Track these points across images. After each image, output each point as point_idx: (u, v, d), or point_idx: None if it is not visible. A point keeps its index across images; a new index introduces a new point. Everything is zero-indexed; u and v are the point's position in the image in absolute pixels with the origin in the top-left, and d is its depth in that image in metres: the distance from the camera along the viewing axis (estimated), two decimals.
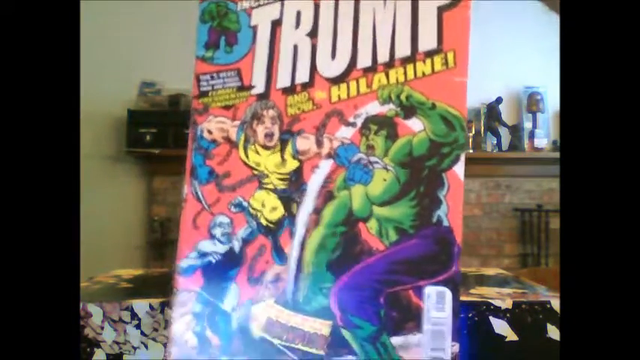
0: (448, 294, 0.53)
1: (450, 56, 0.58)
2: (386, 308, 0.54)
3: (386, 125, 0.58)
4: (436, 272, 0.54)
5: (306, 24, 0.62)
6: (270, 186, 0.59)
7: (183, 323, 0.57)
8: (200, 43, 0.63)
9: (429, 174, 0.56)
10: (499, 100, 3.36)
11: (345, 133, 0.58)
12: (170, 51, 2.97)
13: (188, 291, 0.58)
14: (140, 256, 3.12)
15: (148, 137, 2.96)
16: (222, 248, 0.58)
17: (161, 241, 3.04)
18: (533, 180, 3.35)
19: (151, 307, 0.65)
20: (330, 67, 0.60)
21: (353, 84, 0.59)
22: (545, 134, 3.38)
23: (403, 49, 0.59)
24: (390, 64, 0.59)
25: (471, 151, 3.32)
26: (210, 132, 0.61)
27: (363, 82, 0.59)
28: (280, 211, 0.58)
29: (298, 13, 0.62)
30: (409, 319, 0.54)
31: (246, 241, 0.58)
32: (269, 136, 0.60)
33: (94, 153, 3.23)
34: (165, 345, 0.66)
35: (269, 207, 0.58)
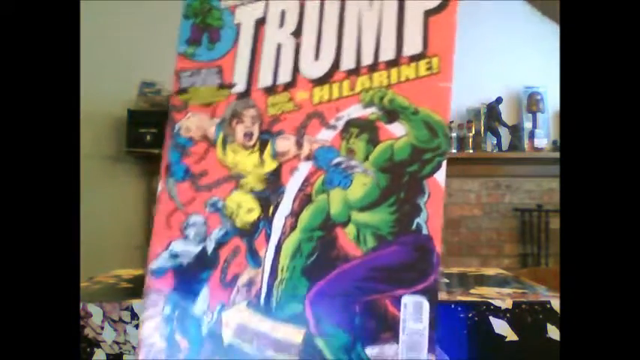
0: (425, 304, 0.52)
1: (435, 61, 0.57)
2: (361, 317, 0.52)
3: (367, 129, 0.57)
4: (414, 281, 0.52)
5: (291, 23, 0.61)
6: (248, 187, 0.57)
7: (152, 325, 0.55)
8: (182, 39, 0.62)
9: (409, 180, 0.55)
10: (499, 100, 3.36)
11: (326, 135, 0.57)
12: (170, 51, 2.96)
13: (158, 292, 0.56)
14: (140, 256, 3.11)
15: (148, 137, 2.96)
16: (195, 249, 0.57)
17: None
18: (533, 180, 3.35)
19: None
20: (313, 68, 0.59)
21: (336, 86, 0.58)
22: (545, 134, 3.38)
23: (388, 53, 0.58)
24: (374, 67, 0.58)
25: (470, 151, 3.32)
26: (188, 129, 0.59)
27: (346, 84, 0.58)
28: (256, 213, 0.57)
29: (283, 13, 0.61)
30: (385, 328, 0.52)
31: (220, 243, 0.57)
32: (248, 135, 0.58)
33: (94, 153, 3.23)
34: None
35: (245, 208, 0.57)
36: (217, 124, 0.59)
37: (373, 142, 0.56)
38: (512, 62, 3.40)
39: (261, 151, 0.58)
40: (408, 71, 0.57)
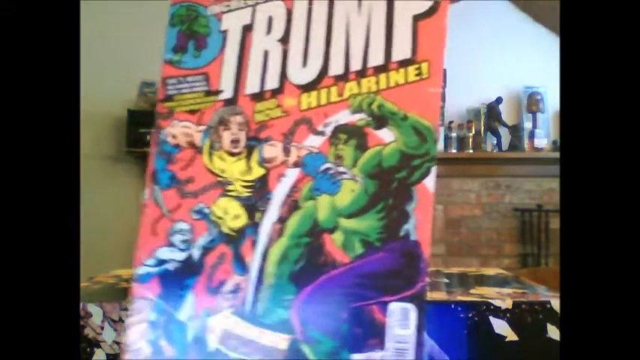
0: (413, 311, 0.51)
1: (425, 66, 0.57)
2: (348, 323, 0.52)
3: (356, 135, 0.56)
4: (402, 288, 0.52)
5: (278, 30, 0.61)
6: (234, 193, 0.57)
7: (137, 331, 0.55)
8: (168, 47, 0.62)
9: (398, 186, 0.54)
10: (499, 100, 3.36)
11: (314, 141, 0.57)
12: None
13: (144, 299, 0.56)
14: None
15: (148, 137, 2.96)
16: (180, 256, 0.56)
17: None
18: (533, 180, 3.35)
19: None
20: (300, 74, 0.59)
21: (324, 92, 0.58)
22: (545, 134, 3.38)
23: (376, 58, 0.58)
24: (362, 73, 0.58)
25: (470, 151, 3.32)
26: (174, 136, 0.59)
27: (334, 90, 0.58)
28: (243, 220, 0.56)
29: (270, 19, 0.61)
30: (372, 335, 0.52)
31: (206, 250, 0.56)
32: (235, 142, 0.58)
33: (94, 153, 3.23)
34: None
35: (232, 215, 0.56)
36: (204, 131, 0.59)
37: (362, 148, 0.56)
38: (513, 62, 3.40)
39: (248, 157, 0.58)
40: (397, 77, 0.57)
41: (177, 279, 0.56)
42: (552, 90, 3.37)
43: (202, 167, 0.58)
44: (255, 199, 0.56)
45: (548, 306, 0.66)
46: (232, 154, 0.58)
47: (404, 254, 0.53)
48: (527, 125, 3.40)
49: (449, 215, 3.32)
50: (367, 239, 0.54)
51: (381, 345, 0.51)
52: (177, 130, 0.59)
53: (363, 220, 0.54)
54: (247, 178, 0.57)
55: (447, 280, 0.86)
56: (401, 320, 0.51)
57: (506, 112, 3.39)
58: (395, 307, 0.52)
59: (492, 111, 3.36)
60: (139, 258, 0.57)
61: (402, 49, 0.58)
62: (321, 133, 0.57)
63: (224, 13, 0.62)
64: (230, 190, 0.57)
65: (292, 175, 0.56)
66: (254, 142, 0.58)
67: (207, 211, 0.57)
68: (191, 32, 0.62)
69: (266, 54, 0.60)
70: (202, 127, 0.59)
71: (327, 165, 0.56)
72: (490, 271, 1.00)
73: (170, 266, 0.56)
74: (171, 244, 0.57)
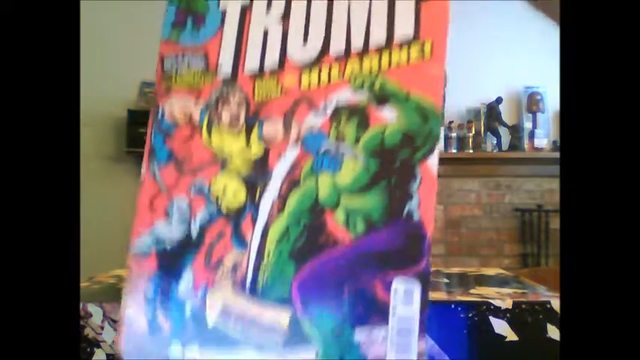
0: (416, 289, 0.50)
1: (427, 46, 0.55)
2: (350, 300, 0.51)
3: (357, 114, 0.55)
4: (405, 266, 0.51)
5: (278, 7, 0.59)
6: (234, 170, 0.56)
7: (134, 307, 0.54)
8: (166, 24, 0.61)
9: (400, 166, 0.53)
10: (499, 100, 3.36)
11: (315, 120, 0.56)
12: None
13: (141, 274, 0.55)
14: None
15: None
16: (179, 232, 0.55)
17: None
18: (533, 180, 3.36)
19: None
20: (301, 53, 0.58)
21: (325, 70, 0.57)
22: (545, 134, 3.39)
23: (378, 37, 0.56)
24: (364, 52, 0.56)
25: (470, 151, 3.32)
26: (172, 114, 0.58)
27: (335, 68, 0.56)
28: (242, 197, 0.55)
29: None
30: (374, 313, 0.50)
31: (204, 226, 0.55)
32: (234, 119, 0.57)
33: (94, 153, 3.23)
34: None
35: (231, 191, 0.55)
36: (202, 108, 0.58)
37: (363, 127, 0.55)
38: (512, 62, 3.40)
39: (248, 135, 0.56)
40: (399, 56, 0.56)
41: (176, 255, 0.55)
42: (552, 90, 3.37)
43: (201, 144, 0.57)
44: (255, 176, 0.56)
45: (548, 306, 0.66)
46: (231, 132, 0.57)
47: (407, 234, 0.52)
48: (527, 125, 3.40)
49: (449, 215, 3.32)
50: (369, 218, 0.53)
51: (384, 322, 0.50)
52: (176, 107, 0.58)
53: (365, 199, 0.53)
54: (246, 156, 0.56)
55: (447, 280, 0.86)
56: (404, 298, 0.50)
57: (506, 112, 3.39)
58: (399, 284, 0.51)
59: (492, 111, 3.36)
60: (136, 233, 0.56)
61: (404, 28, 0.56)
62: (322, 112, 0.56)
63: None
64: (229, 168, 0.56)
65: (292, 153, 0.55)
66: (254, 119, 0.57)
67: (205, 187, 0.56)
68: (189, 9, 0.61)
69: (266, 32, 0.59)
70: (201, 105, 0.58)
71: (328, 143, 0.55)
72: (490, 271, 1.00)
73: (168, 242, 0.56)
74: (169, 220, 0.56)
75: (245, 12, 0.60)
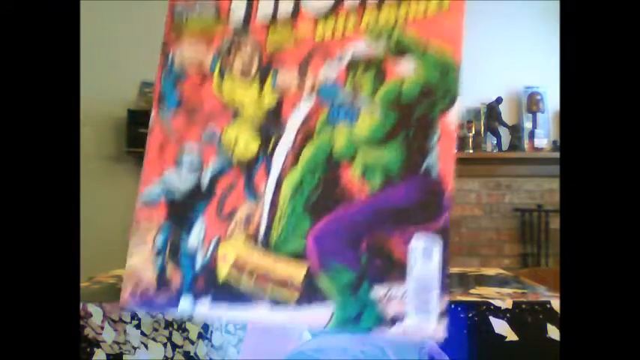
0: (436, 245, 0.48)
1: None
2: (367, 255, 0.49)
3: (374, 66, 0.53)
4: (424, 222, 0.49)
5: None
6: (246, 119, 0.54)
7: (142, 258, 0.52)
8: None
9: (419, 119, 0.51)
10: (499, 100, 3.36)
11: (330, 71, 0.54)
12: None
13: (150, 222, 0.53)
14: None
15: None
16: (190, 180, 0.53)
17: None
18: (533, 180, 3.36)
19: None
20: (316, 2, 0.55)
21: (340, 20, 0.55)
22: (545, 134, 3.38)
23: None
24: (381, 2, 0.54)
25: (470, 151, 3.32)
26: (182, 60, 0.56)
27: (351, 19, 0.54)
28: (255, 148, 0.53)
29: None
30: (393, 268, 0.48)
31: (216, 176, 0.53)
32: (247, 67, 0.55)
33: (94, 153, 3.23)
34: (164, 345, 0.66)
35: (243, 141, 0.53)
36: (214, 56, 0.56)
37: (380, 79, 0.53)
38: (512, 62, 3.40)
39: (261, 84, 0.54)
40: (417, 7, 0.54)
41: (186, 204, 0.53)
42: (552, 90, 3.37)
43: (212, 92, 0.55)
44: (269, 126, 0.54)
45: (548, 306, 0.66)
46: (244, 81, 0.55)
47: (426, 189, 0.50)
48: (527, 125, 3.40)
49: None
50: (387, 172, 0.51)
51: (402, 278, 0.48)
52: (186, 54, 0.56)
53: (382, 152, 0.51)
54: (260, 105, 0.54)
55: (447, 280, 0.86)
56: (424, 254, 0.49)
57: (506, 112, 3.39)
58: (418, 240, 0.49)
59: (492, 111, 3.36)
60: (145, 181, 0.54)
61: None
62: (338, 63, 0.54)
63: None
64: (241, 117, 0.54)
65: (307, 103, 0.54)
66: (267, 69, 0.55)
67: (217, 137, 0.54)
68: None
69: None
70: (212, 52, 0.56)
71: (344, 95, 0.53)
72: (490, 271, 1.00)
73: (178, 190, 0.54)
74: (179, 168, 0.54)
75: None
